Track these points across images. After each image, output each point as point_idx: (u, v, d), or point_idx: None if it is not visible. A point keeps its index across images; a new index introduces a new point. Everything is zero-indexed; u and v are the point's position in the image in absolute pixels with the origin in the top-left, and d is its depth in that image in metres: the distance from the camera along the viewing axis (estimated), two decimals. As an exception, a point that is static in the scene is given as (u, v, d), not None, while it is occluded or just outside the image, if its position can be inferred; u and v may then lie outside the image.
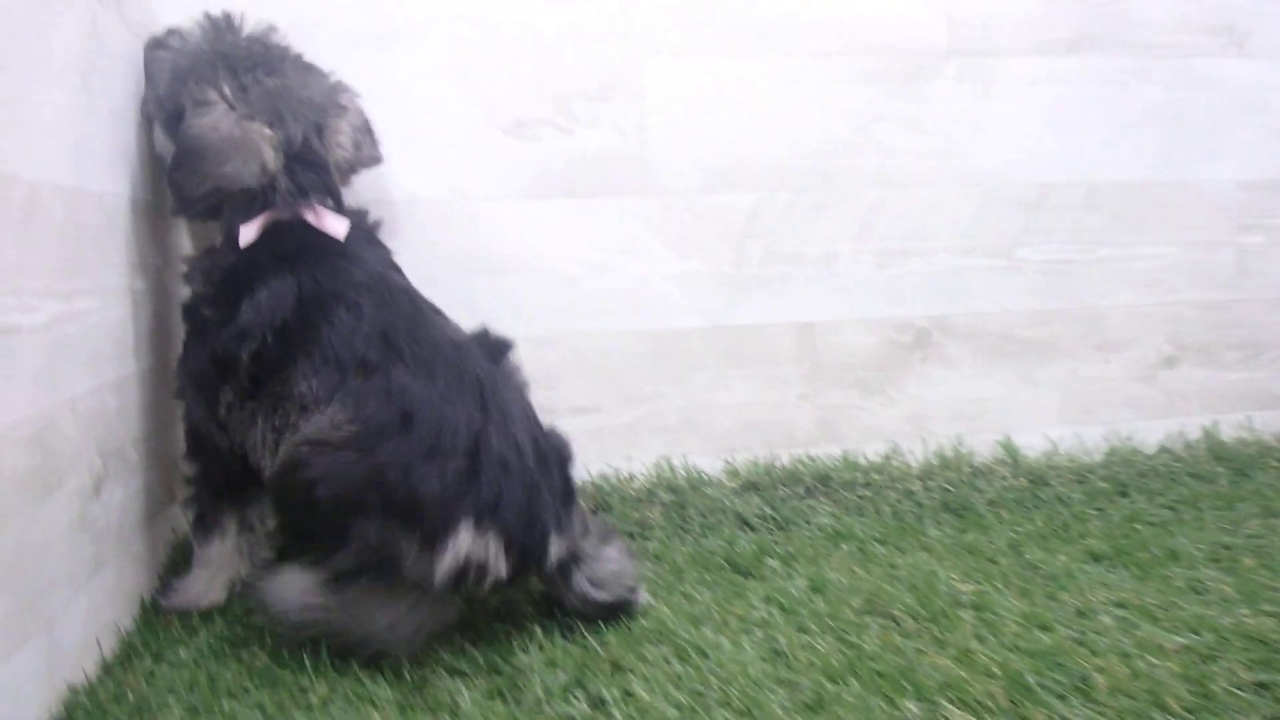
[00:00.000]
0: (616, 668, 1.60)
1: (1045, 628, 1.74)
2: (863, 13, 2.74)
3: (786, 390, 2.76)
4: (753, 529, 2.47)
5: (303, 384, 1.60)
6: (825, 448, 2.75)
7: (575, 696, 1.51)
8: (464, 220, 2.55)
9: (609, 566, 1.73)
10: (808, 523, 2.48)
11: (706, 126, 2.66)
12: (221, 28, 1.82)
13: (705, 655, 1.65)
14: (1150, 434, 3.00)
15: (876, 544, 2.32)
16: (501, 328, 2.53)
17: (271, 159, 1.73)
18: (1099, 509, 2.57)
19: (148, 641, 1.74)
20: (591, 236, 2.61)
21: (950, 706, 1.45)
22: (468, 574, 1.53)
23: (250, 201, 1.74)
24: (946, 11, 2.79)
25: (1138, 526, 2.41)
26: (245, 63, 1.78)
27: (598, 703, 1.49)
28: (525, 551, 1.61)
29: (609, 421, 2.63)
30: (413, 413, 1.56)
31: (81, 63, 1.58)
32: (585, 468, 2.60)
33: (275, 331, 1.65)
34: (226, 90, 1.75)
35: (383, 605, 1.52)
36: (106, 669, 1.61)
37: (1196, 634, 1.69)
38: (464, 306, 2.53)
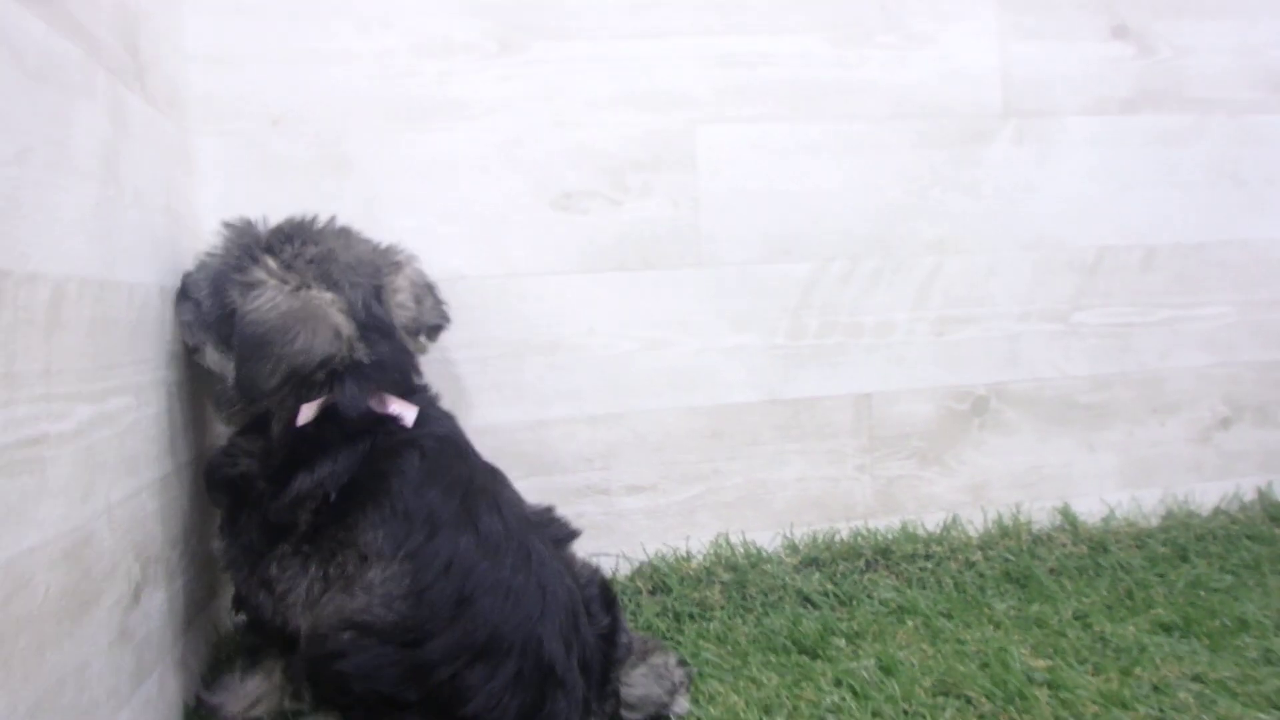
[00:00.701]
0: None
1: (1124, 705, 1.70)
2: (918, 75, 2.68)
3: (844, 463, 2.69)
4: (815, 606, 2.41)
5: (369, 533, 1.51)
6: (884, 519, 2.69)
7: None
8: (513, 297, 2.49)
9: (635, 692, 1.68)
10: (870, 597, 2.43)
11: (760, 195, 2.60)
12: (244, 226, 1.71)
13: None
14: (1206, 495, 2.94)
15: (942, 619, 2.28)
16: (555, 409, 2.50)
17: (344, 323, 1.58)
18: (1160, 575, 2.54)
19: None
20: (645, 311, 2.55)
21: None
22: None
23: (329, 376, 1.58)
24: (1003, 71, 2.72)
25: (1202, 593, 2.37)
26: (281, 238, 1.65)
27: None
28: None
29: (666, 500, 2.56)
30: (471, 598, 1.48)
31: (105, 150, 1.49)
32: (642, 547, 2.54)
33: (341, 489, 1.55)
34: (272, 264, 1.61)
35: None
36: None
37: (1277, 708, 1.65)
38: (513, 388, 2.49)
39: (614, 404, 2.53)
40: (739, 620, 2.34)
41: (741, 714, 1.76)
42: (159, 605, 1.69)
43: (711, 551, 2.55)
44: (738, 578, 2.47)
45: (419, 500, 1.52)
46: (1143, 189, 2.84)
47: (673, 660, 1.82)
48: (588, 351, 2.52)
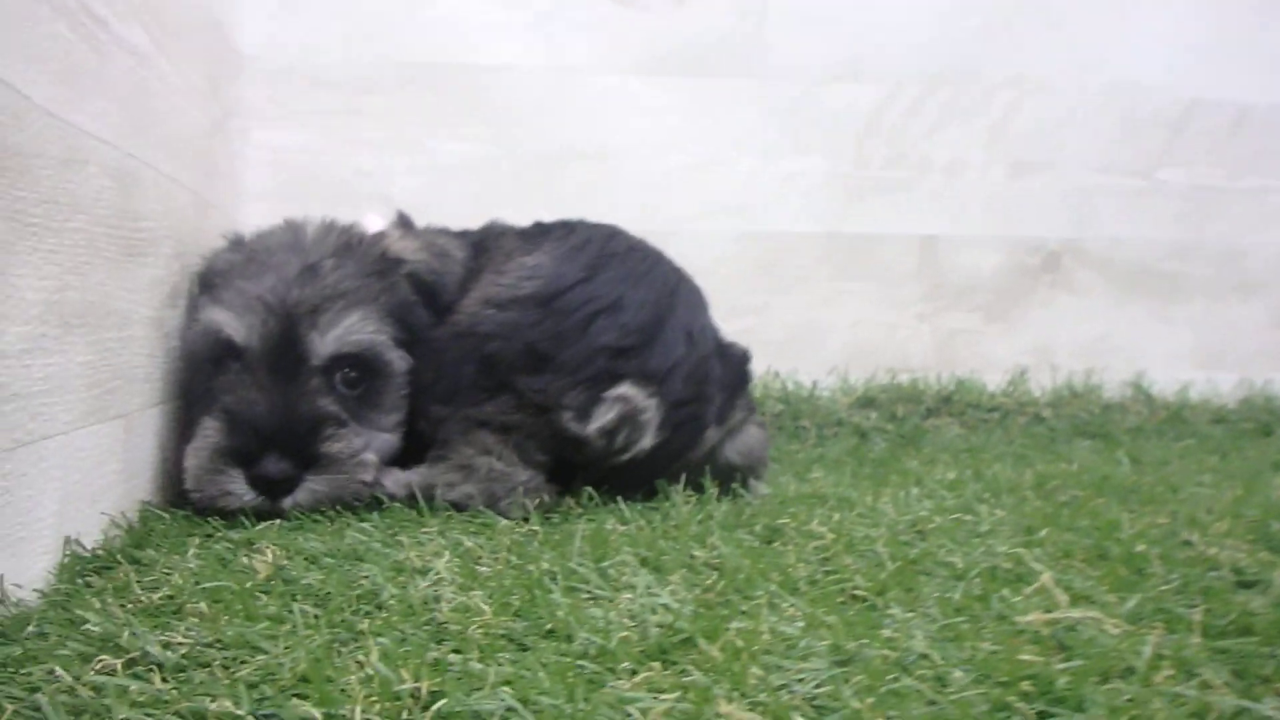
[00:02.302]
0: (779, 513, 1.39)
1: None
2: (1004, -103, 2.50)
3: (904, 309, 2.50)
4: (871, 440, 2.21)
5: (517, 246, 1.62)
6: (941, 373, 2.48)
7: (749, 531, 1.29)
8: (565, 96, 2.30)
9: (750, 441, 1.64)
10: (933, 441, 2.23)
11: (830, 10, 2.41)
12: None
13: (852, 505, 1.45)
14: (1286, 386, 2.73)
15: (1017, 458, 2.04)
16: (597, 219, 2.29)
17: None
18: (1240, 449, 2.31)
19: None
20: (702, 123, 2.37)
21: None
22: (619, 432, 1.41)
23: None
24: (1094, -98, 2.55)
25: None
26: None
27: (773, 532, 1.28)
28: (679, 430, 1.48)
29: (713, 329, 2.37)
30: (599, 268, 1.52)
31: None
32: (684, 379, 2.35)
33: None
34: None
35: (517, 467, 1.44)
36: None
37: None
38: (555, 194, 2.30)
39: (663, 222, 2.34)
40: (795, 445, 2.15)
41: (828, 492, 1.57)
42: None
43: (760, 384, 2.34)
44: (790, 409, 2.27)
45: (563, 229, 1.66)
46: (1240, 43, 2.64)
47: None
48: (637, 162, 2.34)
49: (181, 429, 1.53)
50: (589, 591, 1.03)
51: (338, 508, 1.39)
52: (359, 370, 1.48)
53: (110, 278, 1.24)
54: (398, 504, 1.42)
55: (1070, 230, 2.58)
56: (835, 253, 2.45)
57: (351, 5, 2.26)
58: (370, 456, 1.45)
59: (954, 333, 2.53)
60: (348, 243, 1.56)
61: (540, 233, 1.67)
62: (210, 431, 1.38)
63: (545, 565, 1.10)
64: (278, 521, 1.34)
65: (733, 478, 1.57)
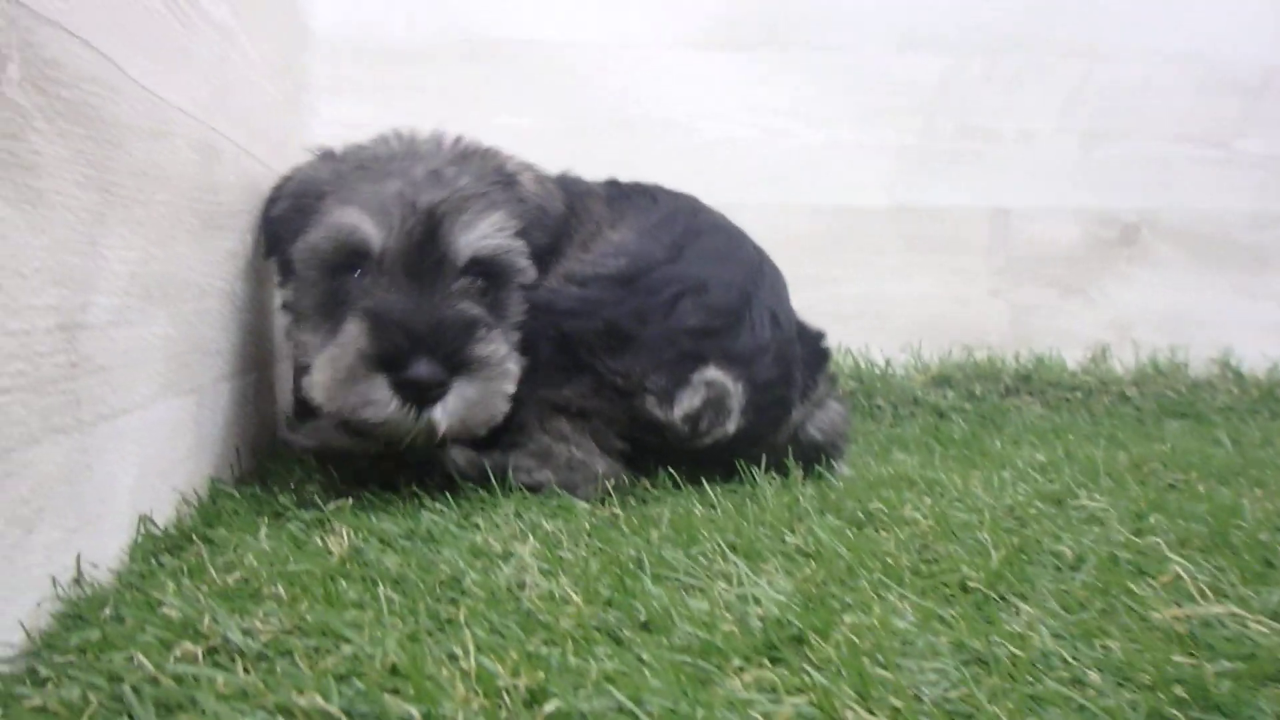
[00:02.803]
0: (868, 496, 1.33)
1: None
2: None
3: (976, 284, 2.41)
4: (949, 420, 2.14)
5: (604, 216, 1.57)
6: (1017, 349, 2.40)
7: (839, 516, 1.24)
8: (624, 69, 2.24)
9: (832, 416, 1.58)
10: (1014, 420, 2.14)
11: (896, -25, 2.33)
12: None
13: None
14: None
15: (1106, 439, 1.94)
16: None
17: None
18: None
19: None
20: (765, 95, 2.29)
21: None
22: (704, 417, 1.36)
23: None
24: None
25: None
26: None
27: (866, 517, 1.23)
28: (764, 413, 1.42)
29: (778, 305, 2.30)
30: (684, 246, 1.47)
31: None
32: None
33: None
34: None
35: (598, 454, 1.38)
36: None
37: None
38: (618, 167, 2.23)
39: (725, 194, 2.25)
40: (871, 424, 2.08)
41: (914, 474, 1.50)
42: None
43: (832, 360, 2.27)
44: (864, 387, 2.21)
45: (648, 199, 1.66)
46: (1325, 3, 2.52)
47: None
48: (701, 135, 2.28)
49: (294, 352, 1.46)
50: (680, 580, 0.98)
51: (412, 483, 1.33)
52: (488, 278, 1.38)
53: (190, 250, 1.22)
54: (469, 484, 1.36)
55: (1147, 201, 2.48)
56: (904, 226, 2.37)
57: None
58: (514, 366, 1.34)
59: (1029, 308, 2.44)
60: (464, 152, 1.47)
61: (622, 196, 1.61)
62: (351, 336, 1.26)
63: (631, 551, 1.05)
64: (349, 499, 1.28)
65: (815, 456, 1.51)
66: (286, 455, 1.60)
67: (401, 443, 1.28)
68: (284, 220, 1.44)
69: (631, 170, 2.24)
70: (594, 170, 2.15)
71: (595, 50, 2.23)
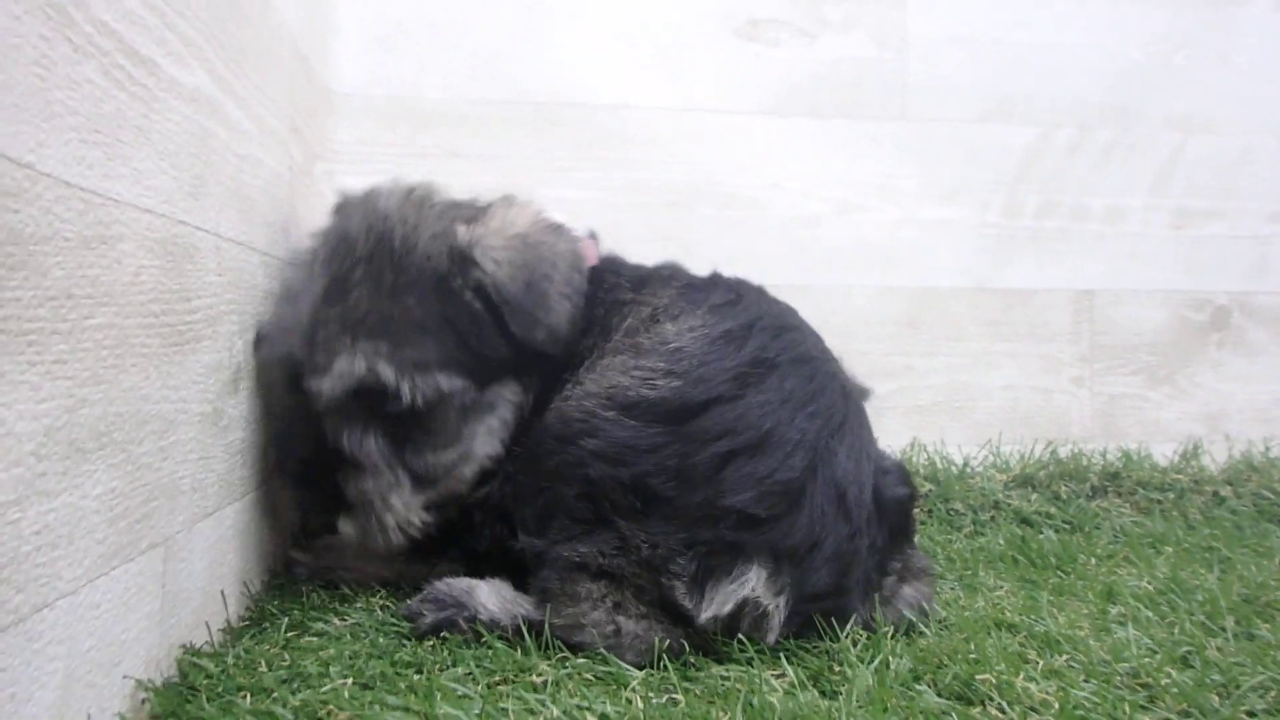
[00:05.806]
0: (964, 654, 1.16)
1: None
2: (1167, -79, 2.27)
3: (1060, 372, 2.24)
4: (1036, 529, 1.95)
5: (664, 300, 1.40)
6: (1102, 443, 2.23)
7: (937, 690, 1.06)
8: (689, 136, 2.09)
9: (906, 600, 1.33)
10: (1103, 526, 1.96)
11: (978, 44, 2.19)
12: None
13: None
14: None
15: (1206, 552, 1.78)
16: (726, 274, 2.07)
17: None
18: None
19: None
20: (838, 168, 2.14)
21: None
22: (737, 624, 1.16)
23: None
24: (1265, -76, 2.31)
25: None
26: None
27: (967, 689, 1.06)
28: (810, 625, 1.20)
29: (852, 394, 2.13)
30: (753, 380, 1.23)
31: None
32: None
33: None
34: None
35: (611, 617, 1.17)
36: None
37: None
38: (679, 244, 2.08)
39: (796, 274, 2.11)
40: (948, 535, 1.90)
41: (1006, 613, 1.34)
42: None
43: (906, 458, 2.10)
44: (941, 491, 2.02)
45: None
46: None
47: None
48: (770, 209, 2.12)
49: None
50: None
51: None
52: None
53: (146, 378, 0.99)
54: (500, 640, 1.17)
55: (1240, 283, 2.32)
56: (984, 309, 2.21)
57: (455, 41, 2.07)
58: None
59: (1115, 398, 2.27)
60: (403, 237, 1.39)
61: (708, 286, 1.42)
62: None
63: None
64: (349, 680, 1.06)
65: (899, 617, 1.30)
66: (292, 585, 1.44)
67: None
68: None
69: (692, 246, 2.09)
70: (651, 248, 1.99)
71: (658, 116, 2.09)
